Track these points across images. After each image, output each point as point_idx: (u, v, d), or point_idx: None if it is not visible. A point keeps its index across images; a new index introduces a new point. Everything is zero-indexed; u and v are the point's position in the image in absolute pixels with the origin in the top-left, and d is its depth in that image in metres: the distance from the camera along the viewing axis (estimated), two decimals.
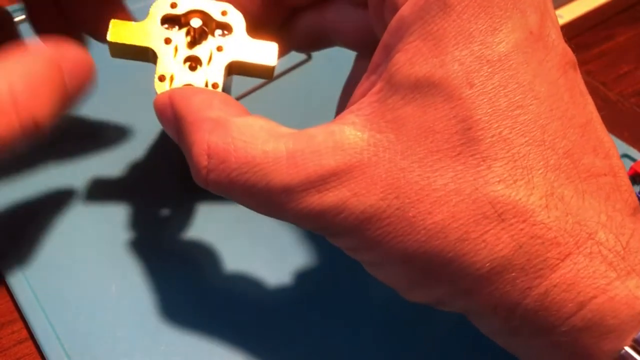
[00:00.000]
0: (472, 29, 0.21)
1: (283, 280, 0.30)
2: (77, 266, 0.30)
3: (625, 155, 0.37)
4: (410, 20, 0.22)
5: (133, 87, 0.38)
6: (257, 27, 0.28)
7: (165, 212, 0.33)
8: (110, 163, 0.34)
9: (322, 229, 0.22)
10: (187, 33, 0.27)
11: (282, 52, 0.28)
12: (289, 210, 0.22)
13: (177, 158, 0.34)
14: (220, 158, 0.22)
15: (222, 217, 0.32)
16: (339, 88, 0.32)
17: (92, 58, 0.26)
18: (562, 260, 0.20)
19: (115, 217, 0.32)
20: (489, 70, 0.21)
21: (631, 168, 0.36)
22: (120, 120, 0.37)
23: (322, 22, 0.29)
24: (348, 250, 0.23)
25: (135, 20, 0.28)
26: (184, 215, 0.33)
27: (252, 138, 0.22)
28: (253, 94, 0.39)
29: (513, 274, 0.20)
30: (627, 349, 0.20)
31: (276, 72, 0.28)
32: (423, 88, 0.21)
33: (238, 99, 0.38)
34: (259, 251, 0.31)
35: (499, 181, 0.20)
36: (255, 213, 0.24)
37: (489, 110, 0.21)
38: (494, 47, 0.21)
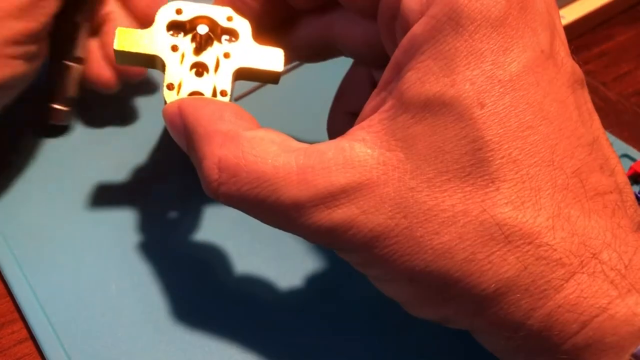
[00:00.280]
0: (483, 49, 0.21)
1: (285, 280, 0.30)
2: (77, 266, 0.30)
3: (625, 155, 0.37)
4: (422, 39, 0.21)
5: (134, 87, 0.38)
6: (260, 26, 0.28)
7: (165, 212, 0.33)
8: (110, 163, 0.34)
9: (330, 245, 0.23)
10: (193, 39, 0.26)
11: (287, 61, 0.28)
12: (298, 226, 0.22)
13: (178, 157, 0.34)
14: (231, 172, 0.22)
15: (224, 217, 0.32)
16: (334, 89, 0.32)
17: None
18: (567, 281, 0.20)
19: (115, 217, 0.32)
20: (501, 90, 0.21)
21: (631, 168, 0.36)
22: (122, 120, 0.36)
23: (328, 32, 0.28)
24: (356, 265, 0.23)
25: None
26: (185, 215, 0.33)
27: (263, 152, 0.22)
28: (251, 95, 0.38)
29: (518, 295, 0.20)
30: None
31: None
32: (434, 107, 0.21)
33: (236, 100, 0.38)
34: (260, 251, 0.31)
35: (506, 203, 0.20)
36: None
37: (499, 131, 0.21)
38: (505, 66, 0.21)
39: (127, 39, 0.26)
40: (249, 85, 0.38)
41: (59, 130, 0.35)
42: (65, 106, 0.34)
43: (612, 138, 0.38)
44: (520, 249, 0.20)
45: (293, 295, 0.30)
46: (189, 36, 0.27)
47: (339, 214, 0.21)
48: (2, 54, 0.28)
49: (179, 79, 0.26)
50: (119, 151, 0.35)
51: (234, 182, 0.22)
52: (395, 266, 0.21)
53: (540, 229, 0.20)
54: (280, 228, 0.23)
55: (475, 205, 0.21)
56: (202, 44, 0.26)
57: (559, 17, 0.24)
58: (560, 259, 0.20)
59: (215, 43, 0.27)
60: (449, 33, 0.21)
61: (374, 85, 0.27)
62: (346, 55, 0.30)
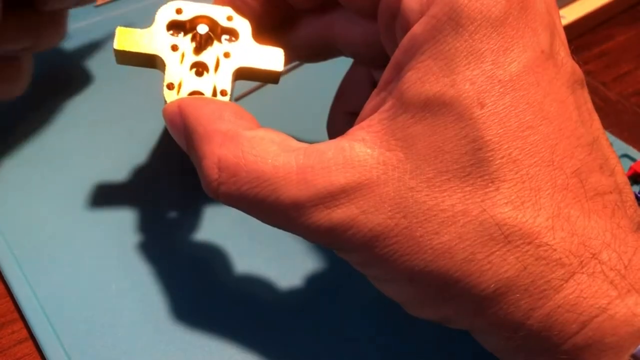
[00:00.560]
0: (483, 49, 0.21)
1: (285, 280, 0.30)
2: (77, 266, 0.30)
3: (625, 155, 0.37)
4: (422, 39, 0.22)
5: (134, 86, 0.38)
6: (260, 26, 0.28)
7: (165, 211, 0.33)
8: (110, 163, 0.34)
9: (330, 245, 0.23)
10: (193, 39, 0.26)
11: (287, 61, 0.28)
12: (298, 225, 0.22)
13: (178, 157, 0.34)
14: (231, 172, 0.22)
15: (224, 217, 0.32)
16: (334, 89, 0.32)
17: None
18: (566, 281, 0.20)
19: (114, 217, 0.32)
20: (501, 90, 0.21)
21: (631, 168, 0.36)
22: (122, 120, 0.36)
23: (328, 32, 0.29)
24: (356, 265, 0.23)
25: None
26: (185, 215, 0.33)
27: (262, 152, 0.22)
28: (251, 95, 0.38)
29: (517, 295, 0.20)
30: None
31: None
32: (434, 107, 0.21)
33: (237, 100, 0.38)
34: (260, 251, 0.31)
35: (506, 203, 0.20)
36: None
37: (499, 131, 0.21)
38: (505, 66, 0.21)
39: (127, 38, 0.26)
40: (249, 85, 0.38)
41: None
42: None
43: (612, 138, 0.38)
44: (520, 249, 0.20)
45: (293, 295, 0.30)
46: (189, 36, 0.27)
47: (339, 213, 0.21)
48: None
49: (179, 78, 0.26)
50: (119, 151, 0.35)
51: (234, 181, 0.22)
52: (395, 266, 0.21)
53: (540, 229, 0.20)
54: (279, 228, 0.23)
55: (475, 205, 0.21)
56: (202, 44, 0.26)
57: (559, 17, 0.24)
58: (560, 259, 0.20)
59: (215, 43, 0.27)
60: (449, 33, 0.21)
61: (373, 85, 0.27)
62: (346, 55, 0.30)
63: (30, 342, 0.28)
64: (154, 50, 0.26)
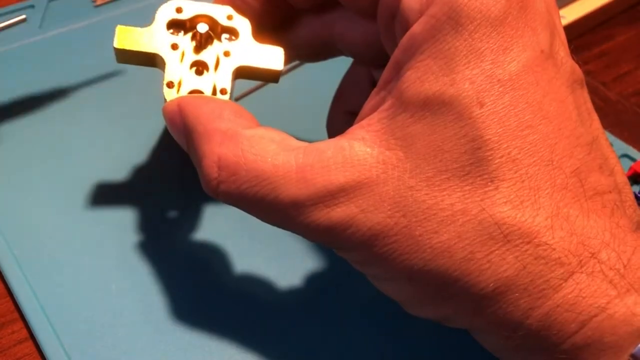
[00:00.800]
0: (483, 48, 0.21)
1: (285, 280, 0.30)
2: (77, 266, 0.30)
3: (625, 155, 0.37)
4: (421, 38, 0.22)
5: (135, 86, 0.38)
6: (261, 26, 0.28)
7: (165, 211, 0.33)
8: (110, 163, 0.34)
9: (329, 243, 0.23)
10: (193, 38, 0.27)
11: (287, 60, 0.28)
12: (297, 224, 0.22)
13: (178, 157, 0.34)
14: (231, 170, 0.22)
15: (224, 217, 0.32)
16: (334, 89, 0.32)
17: None
18: (565, 281, 0.20)
19: (115, 217, 0.32)
20: (500, 89, 0.21)
21: (631, 168, 0.36)
22: (122, 120, 0.36)
23: (328, 31, 0.29)
24: (355, 263, 0.23)
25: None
26: (185, 215, 0.33)
27: (262, 151, 0.22)
28: (251, 95, 0.38)
29: (516, 294, 0.20)
30: None
31: None
32: (433, 106, 0.21)
33: (237, 99, 0.38)
34: (260, 251, 0.31)
35: (505, 202, 0.20)
36: None
37: (498, 130, 0.21)
38: (505, 66, 0.21)
39: (127, 37, 0.26)
40: (250, 85, 0.38)
41: None
42: None
43: (612, 138, 0.38)
44: (519, 248, 0.20)
45: (293, 295, 0.30)
46: (189, 35, 0.27)
47: (338, 212, 0.22)
48: None
49: (179, 77, 0.26)
50: (119, 151, 0.35)
51: (234, 180, 0.23)
52: (394, 265, 0.21)
53: (539, 228, 0.20)
54: (279, 226, 0.23)
55: (474, 204, 0.21)
56: (202, 43, 0.26)
57: (559, 16, 0.24)
58: (559, 258, 0.20)
59: (215, 41, 0.27)
60: (449, 32, 0.21)
61: (373, 84, 0.27)
62: (346, 55, 0.30)
63: (30, 342, 0.28)
64: (154, 49, 0.26)
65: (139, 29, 0.26)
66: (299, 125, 0.34)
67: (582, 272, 0.20)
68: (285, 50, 0.27)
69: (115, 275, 0.30)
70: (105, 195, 0.33)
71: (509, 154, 0.21)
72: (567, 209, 0.21)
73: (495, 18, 0.21)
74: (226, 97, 0.26)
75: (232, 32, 0.27)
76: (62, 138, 0.35)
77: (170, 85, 0.26)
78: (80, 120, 0.36)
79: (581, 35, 0.46)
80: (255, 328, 0.29)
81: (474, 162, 0.21)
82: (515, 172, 0.21)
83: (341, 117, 0.31)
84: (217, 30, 0.27)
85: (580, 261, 0.20)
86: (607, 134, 0.35)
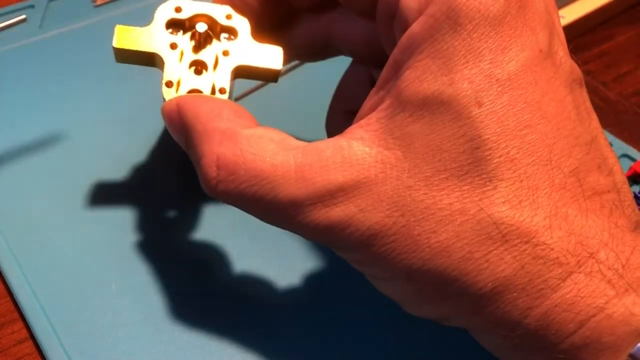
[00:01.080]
0: (482, 48, 0.21)
1: (285, 280, 0.30)
2: (77, 266, 0.30)
3: (625, 155, 0.37)
4: (420, 38, 0.22)
5: (134, 86, 0.38)
6: (260, 25, 0.28)
7: (165, 211, 0.33)
8: (111, 163, 0.34)
9: (328, 243, 0.23)
10: (192, 37, 0.27)
11: (286, 60, 0.28)
12: (296, 224, 0.22)
13: (178, 157, 0.34)
14: (230, 170, 0.23)
15: (224, 217, 0.32)
16: (334, 88, 0.32)
17: None
18: (564, 281, 0.20)
19: (114, 217, 0.32)
20: (499, 89, 0.21)
21: (631, 168, 0.36)
22: (122, 119, 0.36)
23: (327, 31, 0.29)
24: (354, 263, 0.23)
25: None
26: (185, 215, 0.33)
27: (261, 150, 0.22)
28: (251, 95, 0.39)
29: (514, 294, 0.20)
30: None
31: None
32: (432, 106, 0.21)
33: (236, 99, 0.38)
34: (260, 251, 0.31)
35: (504, 202, 0.21)
36: None
37: (497, 130, 0.21)
38: (503, 65, 0.21)
39: (126, 37, 0.26)
40: (249, 85, 0.38)
41: None
42: None
43: (612, 138, 0.38)
44: (518, 248, 0.20)
45: (293, 295, 0.30)
46: (188, 34, 0.27)
47: (337, 212, 0.22)
48: None
49: (178, 76, 0.26)
50: (119, 151, 0.35)
51: (232, 180, 0.23)
52: (393, 264, 0.21)
53: (538, 228, 0.20)
54: (278, 226, 0.23)
55: (472, 204, 0.21)
56: (201, 42, 0.26)
57: (558, 16, 0.24)
58: (557, 258, 0.20)
59: (215, 41, 0.27)
60: (447, 32, 0.21)
61: (372, 83, 0.27)
62: (345, 54, 0.30)
63: (30, 342, 0.28)
64: (153, 48, 0.26)
65: (138, 28, 0.26)
66: (298, 125, 0.34)
67: (580, 272, 0.20)
68: (284, 49, 0.27)
69: (115, 275, 0.30)
70: (105, 195, 0.33)
71: (507, 153, 0.21)
72: (565, 209, 0.21)
73: (493, 18, 0.21)
74: (225, 96, 0.26)
75: (231, 32, 0.27)
76: (62, 137, 0.35)
77: (169, 84, 0.26)
78: (80, 120, 0.36)
79: (581, 35, 0.46)
80: (255, 328, 0.29)
81: (473, 162, 0.21)
82: (514, 172, 0.21)
83: (340, 117, 0.31)
84: (216, 30, 0.27)
85: (579, 261, 0.20)
86: (607, 133, 0.35)
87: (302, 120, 0.36)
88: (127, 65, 0.27)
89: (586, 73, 0.44)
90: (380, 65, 0.24)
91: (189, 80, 0.26)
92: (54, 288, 0.29)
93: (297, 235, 0.24)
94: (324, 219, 0.22)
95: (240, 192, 0.23)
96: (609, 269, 0.20)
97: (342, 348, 0.29)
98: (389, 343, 0.29)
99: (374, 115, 0.22)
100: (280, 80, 0.28)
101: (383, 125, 0.22)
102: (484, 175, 0.21)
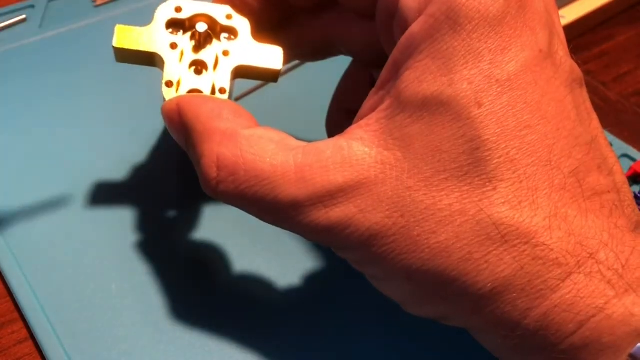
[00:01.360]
0: (481, 48, 0.21)
1: (286, 280, 0.30)
2: (77, 266, 0.30)
3: (625, 155, 0.37)
4: (420, 38, 0.22)
5: (134, 85, 0.38)
6: (260, 25, 0.28)
7: (165, 212, 0.33)
8: (111, 163, 0.34)
9: (328, 243, 0.23)
10: (192, 37, 0.27)
11: (286, 60, 0.28)
12: (296, 224, 0.22)
13: (177, 157, 0.34)
14: (230, 170, 0.23)
15: (224, 217, 0.32)
16: (334, 88, 0.32)
17: None
18: (563, 281, 0.20)
19: (115, 217, 0.32)
20: (498, 89, 0.21)
21: (631, 168, 0.36)
22: (122, 119, 0.36)
23: (327, 31, 0.29)
24: (354, 263, 0.23)
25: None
26: (185, 215, 0.33)
27: (261, 151, 0.22)
28: (251, 95, 0.39)
29: (514, 295, 0.20)
30: None
31: None
32: (431, 106, 0.21)
33: (237, 99, 0.38)
34: (261, 251, 0.31)
35: (503, 202, 0.21)
36: None
37: (497, 131, 0.21)
38: (503, 66, 0.21)
39: (126, 36, 0.26)
40: (249, 85, 0.38)
41: None
42: None
43: (612, 138, 0.38)
44: (517, 248, 0.20)
45: (293, 295, 0.30)
46: (188, 34, 0.27)
47: (337, 212, 0.22)
48: None
49: (178, 76, 0.26)
50: (119, 151, 0.35)
51: (233, 180, 0.23)
52: (393, 265, 0.21)
53: (537, 228, 0.20)
54: (278, 226, 0.23)
55: (472, 204, 0.21)
56: (201, 42, 0.26)
57: (558, 16, 0.24)
58: (557, 258, 0.20)
59: (215, 41, 0.27)
60: (447, 32, 0.21)
61: (372, 83, 0.27)
62: (345, 54, 0.30)
63: (30, 342, 0.28)
64: (153, 48, 0.26)
65: (138, 28, 0.26)
66: (298, 125, 0.34)
67: (580, 273, 0.20)
68: (284, 49, 0.27)
69: (115, 275, 0.30)
70: (105, 195, 0.33)
71: (507, 154, 0.21)
72: (565, 209, 0.21)
73: (493, 18, 0.21)
74: (225, 96, 0.26)
75: (232, 32, 0.27)
76: (62, 137, 0.35)
77: (169, 84, 0.26)
78: (81, 120, 0.36)
79: (581, 35, 0.46)
80: (255, 328, 0.29)
81: (472, 163, 0.21)
82: (514, 173, 0.21)
83: (340, 116, 0.31)
84: (216, 30, 0.27)
85: (579, 261, 0.20)
86: (607, 133, 0.35)
87: (302, 120, 0.36)
88: (127, 65, 0.27)
89: (586, 73, 0.44)
90: (380, 65, 0.24)
91: (189, 80, 0.26)
92: (54, 288, 0.29)
93: (297, 235, 0.24)
94: (324, 219, 0.22)
95: (241, 193, 0.23)
96: (609, 269, 0.20)
97: (342, 348, 0.29)
98: (389, 343, 0.29)
99: (373, 116, 0.22)
100: (280, 80, 0.28)
101: (383, 125, 0.22)
102: (484, 176, 0.21)
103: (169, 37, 0.26)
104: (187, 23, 0.27)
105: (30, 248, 0.30)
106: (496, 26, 0.21)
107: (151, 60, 0.27)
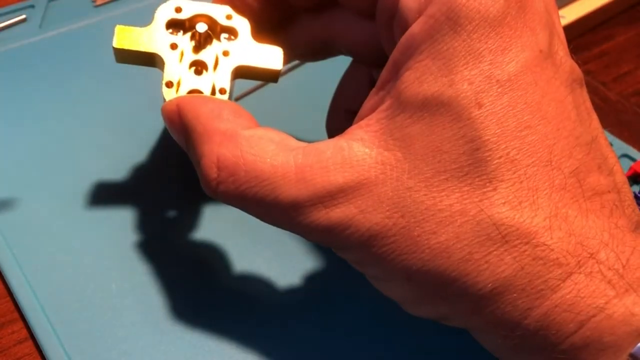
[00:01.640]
0: (482, 49, 0.21)
1: (286, 280, 0.30)
2: (77, 266, 0.30)
3: (625, 155, 0.37)
4: (420, 39, 0.22)
5: (134, 86, 0.38)
6: (260, 25, 0.28)
7: (165, 212, 0.33)
8: (111, 163, 0.34)
9: (328, 243, 0.23)
10: (192, 37, 0.27)
11: (286, 60, 0.28)
12: (297, 224, 0.22)
13: (177, 157, 0.34)
14: (230, 171, 0.23)
15: (224, 217, 0.32)
16: (334, 89, 0.32)
17: None
18: (564, 281, 0.20)
19: (115, 217, 0.32)
20: (499, 90, 0.21)
21: (631, 168, 0.36)
22: (122, 120, 0.36)
23: (327, 31, 0.29)
24: (354, 263, 0.23)
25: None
26: (185, 215, 0.33)
27: (261, 151, 0.22)
28: (251, 95, 0.38)
29: (514, 295, 0.20)
30: None
31: None
32: (431, 107, 0.21)
33: (236, 99, 0.38)
34: (261, 251, 0.31)
35: (504, 203, 0.21)
36: None
37: (497, 131, 0.21)
38: (503, 66, 0.21)
39: (126, 37, 0.26)
40: (249, 85, 0.38)
41: None
42: None
43: (612, 138, 0.38)
44: (517, 248, 0.20)
45: (294, 295, 0.30)
46: (188, 34, 0.27)
47: (337, 213, 0.22)
48: None
49: (178, 76, 0.26)
50: (119, 151, 0.35)
51: (233, 180, 0.23)
52: (393, 265, 0.21)
53: (538, 229, 0.20)
54: (278, 226, 0.24)
55: (472, 205, 0.21)
56: (201, 42, 0.26)
57: (558, 16, 0.24)
58: (557, 259, 0.20)
59: (215, 41, 0.27)
60: (447, 32, 0.21)
61: (372, 83, 0.27)
62: (345, 54, 0.30)
63: (30, 342, 0.28)
64: (153, 48, 0.26)
65: (138, 28, 0.26)
66: (298, 125, 0.34)
67: (580, 273, 0.20)
68: (284, 50, 0.27)
69: (115, 275, 0.30)
70: (105, 195, 0.33)
71: (507, 154, 0.21)
72: (565, 210, 0.21)
73: (493, 18, 0.21)
74: (225, 96, 0.26)
75: (232, 32, 0.27)
76: (62, 137, 0.35)
77: (169, 84, 0.26)
78: (80, 120, 0.36)
79: (581, 35, 0.46)
80: (255, 328, 0.29)
81: (473, 163, 0.21)
82: (514, 173, 0.21)
83: (340, 117, 0.31)
84: (216, 30, 0.27)
85: (579, 261, 0.20)
86: (607, 133, 0.35)
87: (302, 120, 0.36)
88: (127, 65, 0.27)
89: (586, 73, 0.44)
90: (380, 66, 0.24)
91: (189, 81, 0.26)
92: (54, 288, 0.29)
93: (297, 236, 0.24)
94: (324, 219, 0.22)
95: (241, 193, 0.23)
96: (609, 269, 0.20)
97: (342, 347, 0.29)
98: (390, 343, 0.29)
99: (374, 116, 0.22)
100: (280, 80, 0.28)
101: (383, 126, 0.22)
102: (484, 177, 0.21)
103: (169, 37, 0.26)
104: (187, 23, 0.27)
105: (30, 248, 0.30)
106: (496, 26, 0.21)
107: (151, 60, 0.27)
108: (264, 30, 0.28)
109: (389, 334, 0.29)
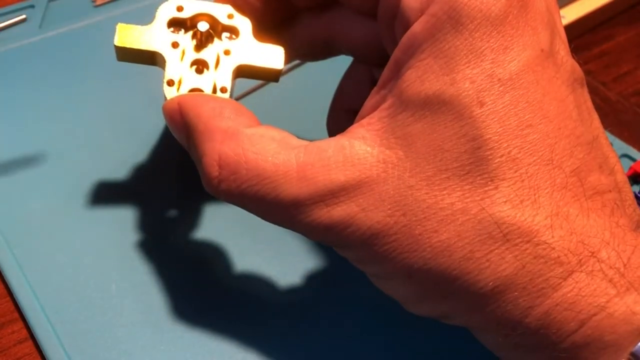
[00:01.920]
0: (483, 47, 0.21)
1: (286, 280, 0.30)
2: (77, 266, 0.30)
3: (625, 155, 0.37)
4: (421, 37, 0.22)
5: (135, 85, 0.38)
6: (261, 25, 0.28)
7: (165, 211, 0.33)
8: (111, 163, 0.34)
9: (330, 242, 0.23)
10: (194, 36, 0.27)
11: (287, 59, 0.28)
12: (298, 223, 0.22)
13: (178, 156, 0.34)
14: (231, 169, 0.23)
15: (224, 216, 0.32)
16: (335, 88, 0.32)
17: None
18: (565, 280, 0.20)
19: (115, 217, 0.32)
20: (500, 89, 0.21)
21: (631, 168, 0.36)
22: (122, 119, 0.36)
23: (328, 30, 0.29)
24: (355, 262, 0.23)
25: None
26: (185, 215, 0.33)
27: (262, 150, 0.22)
28: (252, 94, 0.38)
29: (515, 293, 0.21)
30: None
31: None
32: (433, 106, 0.21)
33: (237, 99, 0.38)
34: (261, 250, 0.31)
35: (505, 201, 0.21)
36: None
37: (498, 130, 0.21)
38: (505, 65, 0.21)
39: (128, 35, 0.26)
40: (250, 84, 0.38)
41: None
42: None
43: (612, 138, 0.38)
44: (519, 247, 0.20)
45: (294, 294, 0.30)
46: (190, 33, 0.27)
47: (338, 211, 0.22)
48: None
49: (179, 75, 0.26)
50: (119, 150, 0.35)
51: (234, 179, 0.23)
52: (394, 263, 0.21)
53: (539, 227, 0.20)
54: (280, 225, 0.24)
55: (474, 203, 0.21)
56: (202, 41, 0.26)
57: (560, 16, 0.24)
58: (559, 257, 0.20)
59: (216, 40, 0.27)
60: (449, 31, 0.21)
61: (374, 82, 0.27)
62: (346, 54, 0.30)
63: (30, 342, 0.28)
64: (154, 47, 0.26)
65: (139, 27, 0.26)
66: (300, 124, 0.34)
67: (581, 271, 0.20)
68: (285, 49, 0.27)
69: (115, 275, 0.30)
70: (105, 195, 0.33)
71: (509, 153, 0.21)
72: (566, 208, 0.21)
73: (495, 17, 0.21)
74: (226, 95, 0.26)
75: (233, 31, 0.27)
76: (62, 137, 0.35)
77: (170, 83, 0.26)
78: (80, 120, 0.36)
79: (581, 35, 0.46)
80: (255, 328, 0.29)
81: (474, 162, 0.21)
82: (515, 172, 0.21)
83: (341, 116, 0.31)
84: (217, 29, 0.27)
85: (580, 260, 0.20)
86: (607, 133, 0.35)
87: (303, 119, 0.36)
88: (127, 64, 0.27)
89: (586, 73, 0.43)
90: (382, 65, 0.24)
91: (190, 79, 0.26)
92: (54, 288, 0.29)
93: (298, 235, 0.24)
94: (325, 218, 0.22)
95: (242, 192, 0.23)
96: (610, 268, 0.21)
97: (342, 347, 0.28)
98: (390, 342, 0.29)
99: (375, 115, 0.22)
100: (281, 79, 0.28)
101: (385, 124, 0.22)
102: (486, 175, 0.21)
103: (170, 36, 0.26)
104: (188, 22, 0.27)
105: (30, 248, 0.30)
106: (498, 25, 0.21)
107: (152, 59, 0.27)
108: (266, 29, 0.28)
109: (390, 333, 0.29)
